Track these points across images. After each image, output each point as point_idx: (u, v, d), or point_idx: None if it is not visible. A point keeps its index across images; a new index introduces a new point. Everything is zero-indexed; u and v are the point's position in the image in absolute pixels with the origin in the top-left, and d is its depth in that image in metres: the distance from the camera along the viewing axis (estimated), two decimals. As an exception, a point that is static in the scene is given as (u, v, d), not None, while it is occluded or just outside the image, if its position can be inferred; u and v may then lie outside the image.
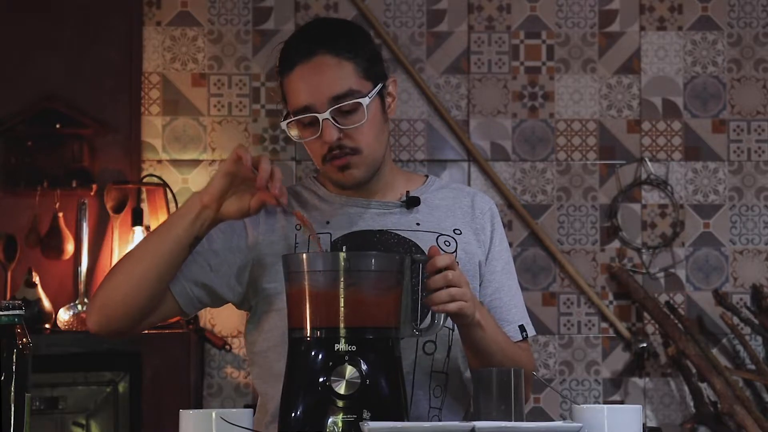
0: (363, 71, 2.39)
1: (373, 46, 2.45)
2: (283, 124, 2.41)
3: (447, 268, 2.22)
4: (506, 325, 2.49)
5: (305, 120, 2.38)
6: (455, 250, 2.45)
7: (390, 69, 2.48)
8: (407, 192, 2.50)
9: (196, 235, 2.31)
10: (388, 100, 2.46)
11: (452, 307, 2.23)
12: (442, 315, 2.24)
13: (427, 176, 2.59)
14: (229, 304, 2.48)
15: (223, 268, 2.41)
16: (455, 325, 2.40)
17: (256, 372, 2.49)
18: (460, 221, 2.50)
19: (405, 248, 2.41)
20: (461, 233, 2.48)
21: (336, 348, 2.09)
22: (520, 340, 2.51)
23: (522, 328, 2.51)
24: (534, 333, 2.55)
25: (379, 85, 2.41)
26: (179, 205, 4.26)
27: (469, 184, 4.39)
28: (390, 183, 2.50)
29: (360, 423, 1.98)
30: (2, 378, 1.86)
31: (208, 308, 4.36)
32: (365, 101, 2.37)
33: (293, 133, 2.41)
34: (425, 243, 2.41)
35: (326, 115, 2.35)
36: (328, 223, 2.44)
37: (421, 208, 2.49)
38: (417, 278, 2.32)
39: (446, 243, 2.45)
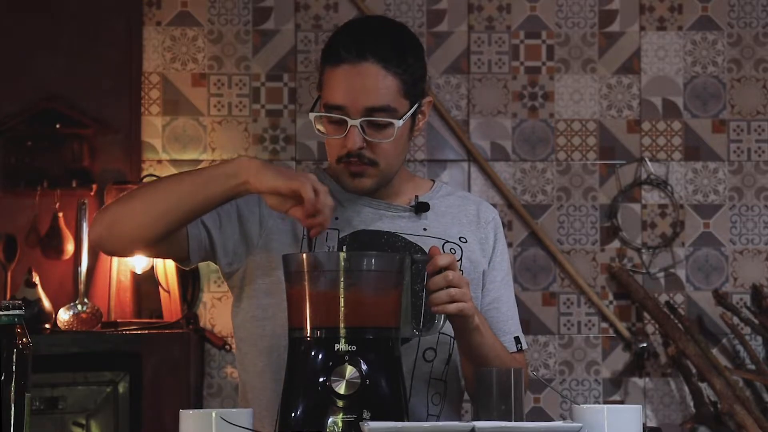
0: (405, 90, 2.37)
1: (422, 64, 2.42)
2: (312, 115, 2.38)
3: (447, 268, 2.22)
4: (502, 336, 2.48)
5: (334, 117, 2.36)
6: (460, 258, 2.45)
7: (430, 87, 2.46)
8: (416, 197, 2.49)
9: (229, 199, 2.27)
10: (419, 117, 2.44)
11: (452, 308, 2.22)
12: (443, 315, 2.24)
13: (433, 181, 2.59)
14: (229, 299, 2.47)
15: (227, 230, 2.38)
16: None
17: (239, 358, 2.48)
18: (465, 229, 2.50)
19: (411, 252, 2.40)
20: (467, 242, 2.48)
21: (336, 348, 2.09)
22: (515, 352, 2.50)
23: (517, 339, 2.51)
24: (527, 347, 2.55)
25: (415, 106, 2.39)
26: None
27: (469, 184, 4.39)
28: (398, 188, 2.49)
29: (360, 423, 1.98)
30: (2, 378, 1.85)
31: (208, 308, 4.37)
32: (398, 123, 2.35)
33: (318, 126, 2.39)
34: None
35: (356, 122, 2.33)
36: (336, 219, 2.42)
37: (429, 214, 2.49)
38: (417, 279, 2.32)
39: (452, 251, 2.45)
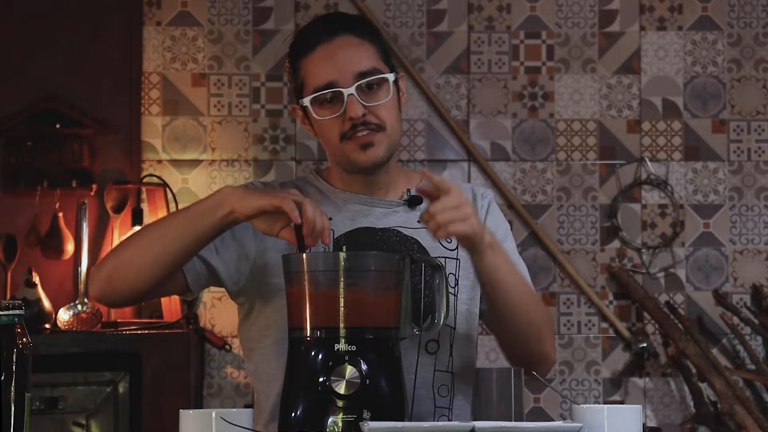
0: (383, 57, 2.40)
1: (387, 41, 2.46)
2: (306, 100, 2.37)
3: (444, 192, 2.21)
4: None
5: (326, 97, 2.35)
6: (456, 248, 2.45)
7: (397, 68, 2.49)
8: (408, 190, 2.49)
9: (220, 231, 2.28)
10: (401, 93, 2.45)
11: (452, 228, 2.19)
12: (443, 314, 2.24)
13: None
14: (229, 298, 2.48)
15: (226, 253, 2.38)
16: (457, 312, 2.40)
17: (251, 368, 2.49)
18: None
19: (407, 246, 2.41)
20: None
21: (336, 348, 2.09)
22: None
23: None
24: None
25: (395, 74, 2.41)
26: (179, 205, 4.26)
27: (469, 184, 4.39)
28: (393, 180, 2.49)
29: (360, 423, 1.98)
30: (2, 378, 1.85)
31: (208, 308, 4.36)
32: (391, 77, 2.37)
33: (314, 116, 2.37)
34: (428, 241, 2.40)
35: (351, 90, 2.33)
36: (330, 219, 2.42)
37: (423, 206, 2.48)
38: (418, 277, 2.31)
39: (448, 241, 2.44)
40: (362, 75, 2.35)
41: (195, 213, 2.28)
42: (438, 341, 2.40)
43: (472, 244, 2.25)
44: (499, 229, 2.52)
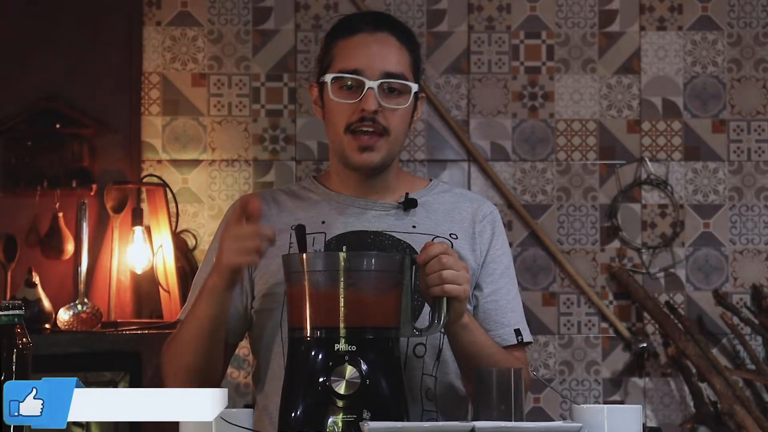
0: (413, 68, 2.43)
1: (422, 58, 2.49)
2: (328, 77, 2.39)
3: (441, 254, 2.21)
4: (501, 328, 2.46)
5: (347, 83, 2.38)
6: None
7: (426, 86, 2.50)
8: (406, 194, 2.49)
9: (232, 285, 2.31)
10: (416, 111, 2.47)
11: (446, 289, 2.20)
12: (442, 314, 2.23)
13: (431, 180, 2.58)
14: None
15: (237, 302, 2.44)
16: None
17: (254, 371, 2.50)
18: (458, 227, 2.48)
19: (399, 250, 2.40)
20: (457, 238, 2.46)
21: (336, 348, 2.09)
22: (516, 345, 2.47)
23: (518, 332, 2.48)
24: (531, 340, 2.51)
25: (418, 89, 2.43)
26: (179, 206, 4.27)
27: (469, 184, 4.39)
28: (392, 185, 2.49)
29: (360, 423, 1.98)
30: (2, 378, 1.86)
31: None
32: (415, 87, 2.40)
33: (330, 95, 2.39)
34: (420, 245, 2.37)
35: (374, 84, 2.35)
36: (323, 222, 2.42)
37: (419, 211, 2.47)
38: (418, 278, 2.31)
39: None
40: (389, 75, 2.37)
41: (198, 307, 2.33)
42: (425, 345, 2.39)
43: (455, 312, 2.25)
44: (504, 255, 2.51)
